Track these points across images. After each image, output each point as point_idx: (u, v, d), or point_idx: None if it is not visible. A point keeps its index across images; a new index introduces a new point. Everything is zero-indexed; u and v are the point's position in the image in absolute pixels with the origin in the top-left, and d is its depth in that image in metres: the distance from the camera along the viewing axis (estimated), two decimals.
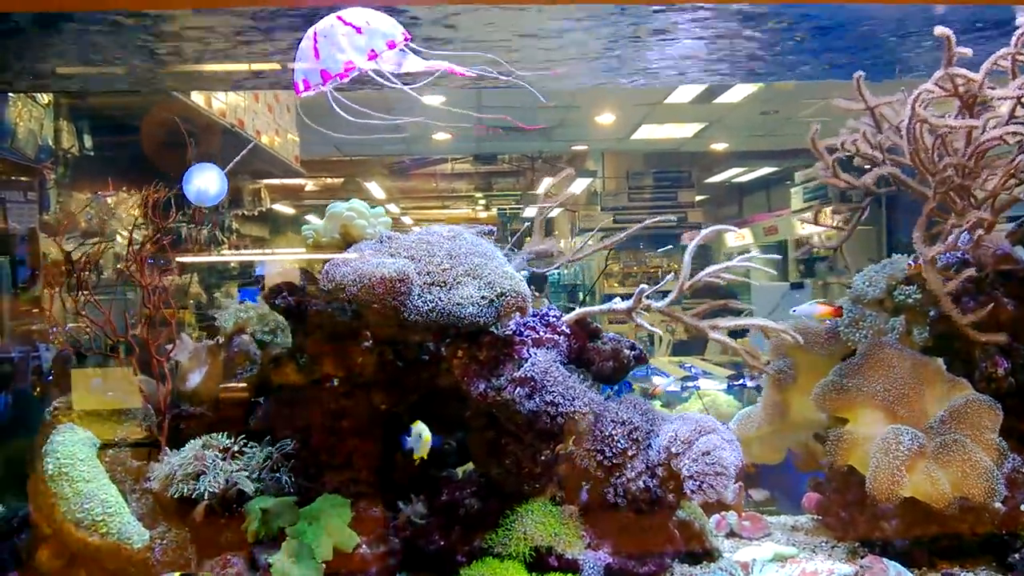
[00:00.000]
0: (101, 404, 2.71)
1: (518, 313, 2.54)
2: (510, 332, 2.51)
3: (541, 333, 2.54)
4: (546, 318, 2.59)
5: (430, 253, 2.54)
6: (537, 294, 2.52)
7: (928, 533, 2.68)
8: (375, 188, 7.65)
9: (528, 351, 2.51)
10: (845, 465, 2.74)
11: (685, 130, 6.43)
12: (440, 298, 2.42)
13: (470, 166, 7.97)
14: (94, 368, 2.84)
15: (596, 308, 2.71)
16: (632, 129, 6.28)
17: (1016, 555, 2.59)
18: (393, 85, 2.10)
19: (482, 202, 8.40)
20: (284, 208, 7.26)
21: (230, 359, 2.90)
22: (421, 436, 2.43)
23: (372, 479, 2.63)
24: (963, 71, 2.55)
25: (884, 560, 2.60)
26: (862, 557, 2.70)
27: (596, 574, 2.49)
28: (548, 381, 2.45)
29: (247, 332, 2.88)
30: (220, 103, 5.04)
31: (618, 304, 2.70)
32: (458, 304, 2.41)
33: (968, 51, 2.51)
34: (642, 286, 2.62)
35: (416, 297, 2.42)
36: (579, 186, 7.80)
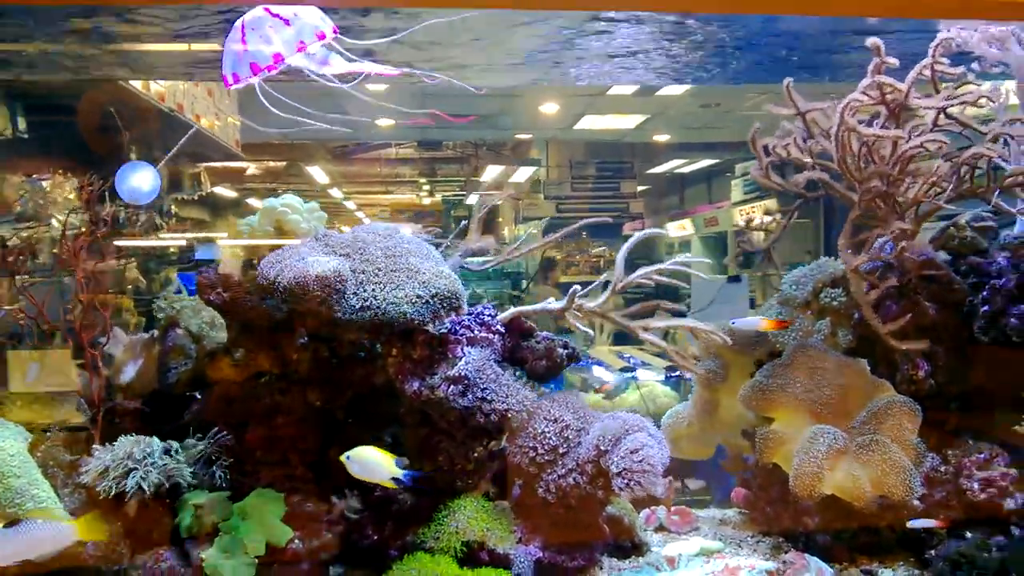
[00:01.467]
0: (35, 389, 2.68)
1: (453, 312, 2.56)
2: (445, 331, 2.53)
3: (476, 332, 2.56)
4: (480, 317, 2.60)
5: (365, 251, 2.54)
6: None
7: (849, 529, 2.77)
8: (318, 172, 7.55)
9: (462, 349, 2.53)
10: (770, 462, 2.81)
11: (627, 121, 6.47)
12: (375, 297, 2.43)
13: (414, 151, 7.92)
14: (30, 352, 2.80)
15: (530, 308, 2.74)
16: (575, 119, 6.29)
17: (932, 551, 2.68)
18: (328, 82, 2.09)
19: (426, 188, 8.35)
20: (225, 191, 7.15)
21: (165, 353, 2.87)
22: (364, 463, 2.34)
23: (307, 474, 2.64)
24: (890, 80, 2.61)
25: (806, 556, 2.68)
26: (785, 552, 2.78)
27: (527, 568, 2.53)
28: (481, 379, 2.48)
29: (181, 326, 2.85)
30: (159, 86, 4.94)
31: (552, 304, 2.73)
32: (392, 303, 2.42)
33: (895, 61, 2.58)
34: (575, 286, 2.65)
35: (351, 296, 2.43)
36: (523, 175, 7.79)
